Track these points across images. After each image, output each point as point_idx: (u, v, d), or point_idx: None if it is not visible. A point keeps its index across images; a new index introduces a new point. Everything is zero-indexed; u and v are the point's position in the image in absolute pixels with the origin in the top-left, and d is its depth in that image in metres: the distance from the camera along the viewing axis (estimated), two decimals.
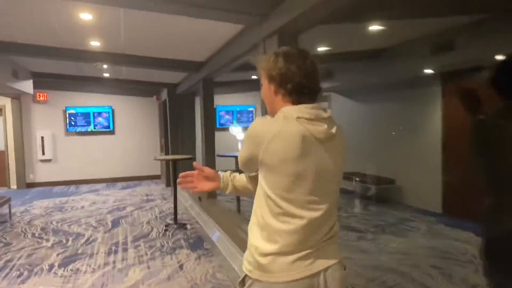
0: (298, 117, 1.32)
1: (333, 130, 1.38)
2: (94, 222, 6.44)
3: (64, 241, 5.42)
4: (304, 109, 1.33)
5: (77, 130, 10.72)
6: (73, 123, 10.66)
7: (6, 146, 10.33)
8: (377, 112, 7.87)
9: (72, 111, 10.62)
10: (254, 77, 9.08)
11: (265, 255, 1.37)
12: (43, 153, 10.48)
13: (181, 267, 4.31)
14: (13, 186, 10.33)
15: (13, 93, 7.91)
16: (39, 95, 10.34)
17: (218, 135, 7.59)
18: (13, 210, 7.50)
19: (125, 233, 5.76)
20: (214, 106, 11.44)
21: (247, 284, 1.44)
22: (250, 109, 11.79)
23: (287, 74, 1.35)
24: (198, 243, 5.15)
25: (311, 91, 1.37)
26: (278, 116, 1.35)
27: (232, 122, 11.44)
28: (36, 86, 9.94)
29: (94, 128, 10.84)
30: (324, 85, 7.40)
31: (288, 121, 1.32)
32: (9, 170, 10.33)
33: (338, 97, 9.12)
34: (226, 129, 10.64)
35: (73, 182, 10.71)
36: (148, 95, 11.11)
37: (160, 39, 4.83)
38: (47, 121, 10.56)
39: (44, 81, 9.83)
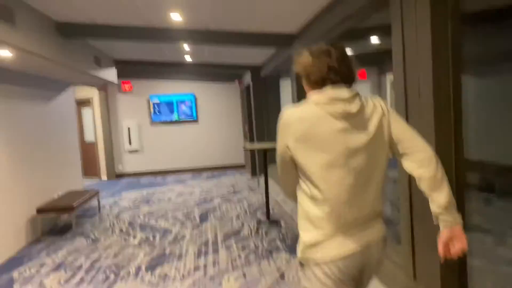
0: (316, 102, 1.51)
1: (353, 108, 1.49)
2: (182, 216, 6.02)
3: (151, 238, 5.02)
4: (321, 94, 1.51)
5: (162, 120, 10.55)
6: (157, 112, 10.50)
7: (96, 137, 10.48)
8: (497, 89, 6.48)
9: (156, 100, 10.45)
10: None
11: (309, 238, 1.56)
12: (130, 144, 10.47)
13: (282, 276, 3.61)
14: (104, 177, 10.47)
15: (99, 83, 7.76)
16: (124, 85, 10.30)
17: None
18: (102, 202, 7.40)
19: (215, 229, 5.22)
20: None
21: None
22: None
23: (311, 69, 1.55)
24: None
25: (334, 81, 1.52)
26: (303, 103, 1.56)
27: None
28: (120, 75, 9.90)
29: (178, 118, 10.60)
30: None
31: (308, 105, 1.53)
32: (99, 161, 10.48)
33: None
34: None
35: (159, 172, 10.60)
36: (230, 80, 10.60)
37: (248, 7, 4.11)
38: (132, 111, 10.52)
39: (128, 69, 9.73)
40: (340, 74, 1.52)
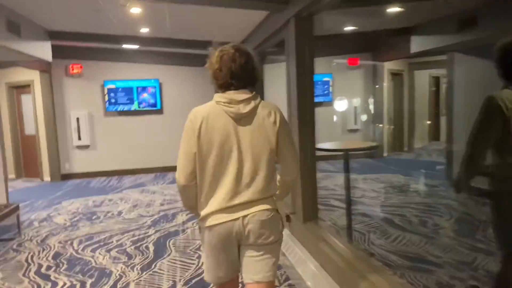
0: (217, 102, 1.79)
1: (245, 110, 1.76)
2: (130, 244, 4.39)
3: (78, 287, 3.38)
4: (223, 95, 1.80)
5: (119, 109, 8.78)
6: (113, 100, 8.72)
7: (37, 129, 8.62)
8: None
9: (112, 86, 8.67)
10: (348, 28, 6.59)
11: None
12: (79, 138, 8.68)
13: None
14: (47, 178, 8.65)
15: (20, 59, 5.89)
16: (72, 66, 8.48)
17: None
18: (33, 216, 5.71)
19: (173, 272, 3.63)
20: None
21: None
22: (326, 79, 9.27)
23: (219, 74, 1.80)
24: None
25: (237, 86, 1.79)
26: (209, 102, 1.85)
27: None
28: (67, 56, 8.14)
29: (139, 107, 8.86)
30: (454, 39, 4.67)
31: (209, 104, 1.82)
32: (41, 158, 8.64)
33: (465, 59, 6.35)
34: None
35: (115, 172, 8.86)
36: (202, 64, 8.89)
37: None
38: (82, 98, 8.70)
39: (76, 49, 7.98)
40: (242, 79, 1.79)
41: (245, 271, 1.85)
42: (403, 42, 7.11)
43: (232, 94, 1.77)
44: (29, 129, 8.92)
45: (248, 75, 1.80)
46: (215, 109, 1.77)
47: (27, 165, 9.03)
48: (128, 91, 8.74)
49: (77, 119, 8.63)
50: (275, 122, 1.80)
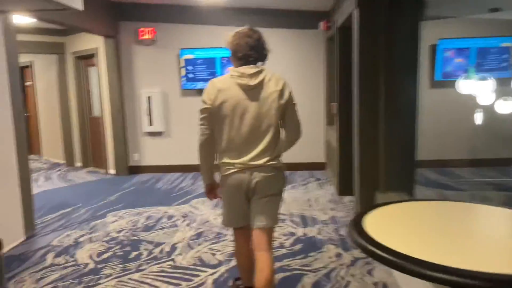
0: (231, 75, 2.15)
1: (253, 82, 2.10)
2: None
3: None
4: (236, 69, 2.15)
5: (198, 87, 6.73)
6: (191, 75, 6.68)
7: (102, 110, 6.97)
8: None
9: (190, 56, 6.61)
10: None
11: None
12: (151, 123, 6.83)
13: None
14: (112, 170, 7.00)
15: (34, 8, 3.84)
16: (143, 30, 6.58)
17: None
18: (55, 241, 3.92)
19: None
20: (435, 42, 6.10)
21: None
22: (506, 44, 6.07)
23: (238, 48, 2.16)
24: None
25: (246, 60, 2.14)
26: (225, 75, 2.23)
27: (466, 71, 5.98)
28: (137, 16, 6.38)
29: None
30: None
31: (225, 77, 2.18)
32: (107, 146, 7.00)
33: None
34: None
35: (191, 168, 6.85)
36: (308, 25, 6.42)
37: None
38: (155, 72, 6.80)
39: (147, 8, 6.12)
40: (256, 52, 2.15)
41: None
42: None
43: (243, 69, 2.12)
44: (96, 110, 7.37)
45: (260, 49, 2.17)
46: (229, 81, 2.14)
47: (95, 152, 7.51)
48: (210, 62, 6.62)
49: (148, 98, 6.77)
50: (281, 93, 2.15)
